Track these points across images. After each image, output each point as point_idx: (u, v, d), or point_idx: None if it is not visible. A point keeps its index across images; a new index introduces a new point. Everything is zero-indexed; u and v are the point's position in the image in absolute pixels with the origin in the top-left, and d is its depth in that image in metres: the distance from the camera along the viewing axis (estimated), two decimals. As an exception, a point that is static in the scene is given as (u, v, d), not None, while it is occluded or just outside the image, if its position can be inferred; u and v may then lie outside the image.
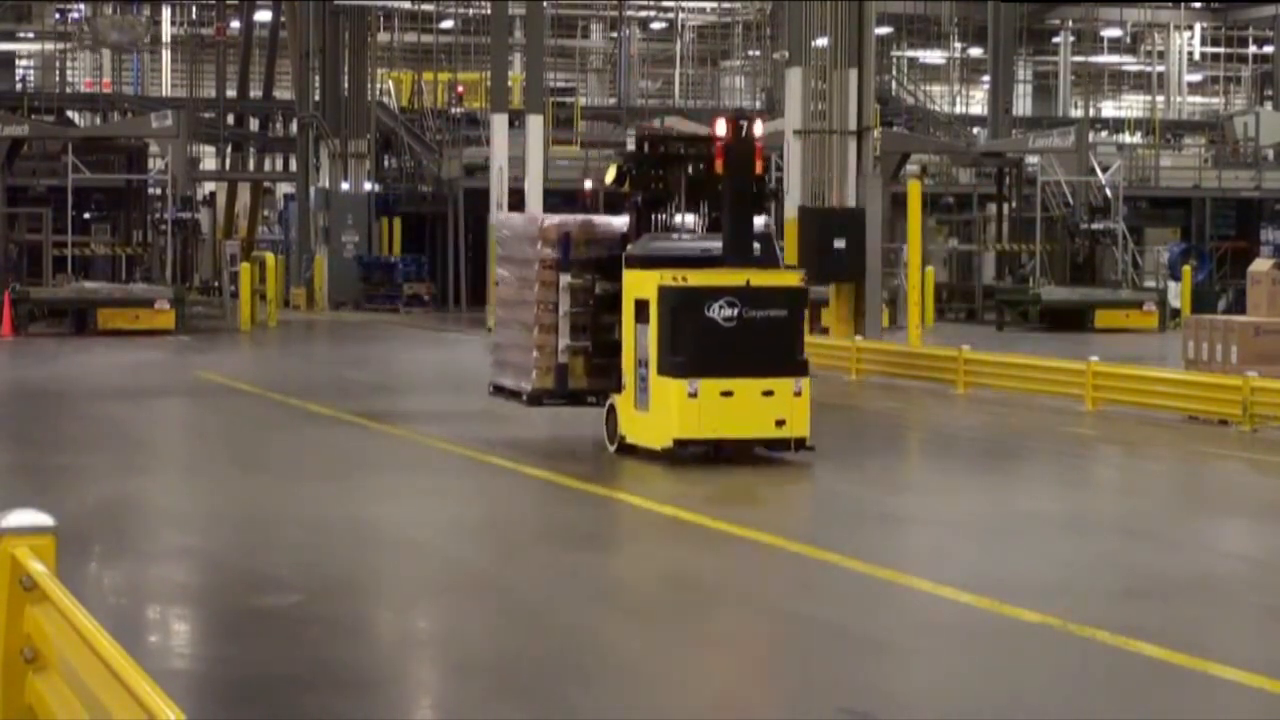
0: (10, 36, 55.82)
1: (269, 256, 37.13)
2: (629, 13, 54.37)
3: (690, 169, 15.46)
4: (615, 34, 54.87)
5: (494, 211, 32.74)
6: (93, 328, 31.53)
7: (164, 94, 52.01)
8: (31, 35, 54.70)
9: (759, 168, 15.01)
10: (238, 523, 12.20)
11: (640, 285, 14.70)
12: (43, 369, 25.25)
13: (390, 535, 11.82)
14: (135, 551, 11.23)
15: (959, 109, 54.43)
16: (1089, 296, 35.91)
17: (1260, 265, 22.46)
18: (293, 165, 46.74)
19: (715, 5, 54.58)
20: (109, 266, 38.86)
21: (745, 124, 14.87)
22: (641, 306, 14.69)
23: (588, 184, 22.78)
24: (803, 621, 9.33)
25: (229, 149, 49.55)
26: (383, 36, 49.28)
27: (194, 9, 53.78)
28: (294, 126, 45.24)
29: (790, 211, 27.30)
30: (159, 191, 39.49)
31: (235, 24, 52.13)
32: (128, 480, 14.24)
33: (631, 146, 20.34)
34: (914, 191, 29.12)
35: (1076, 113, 52.98)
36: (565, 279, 15.61)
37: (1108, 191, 38.89)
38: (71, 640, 4.62)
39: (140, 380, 23.30)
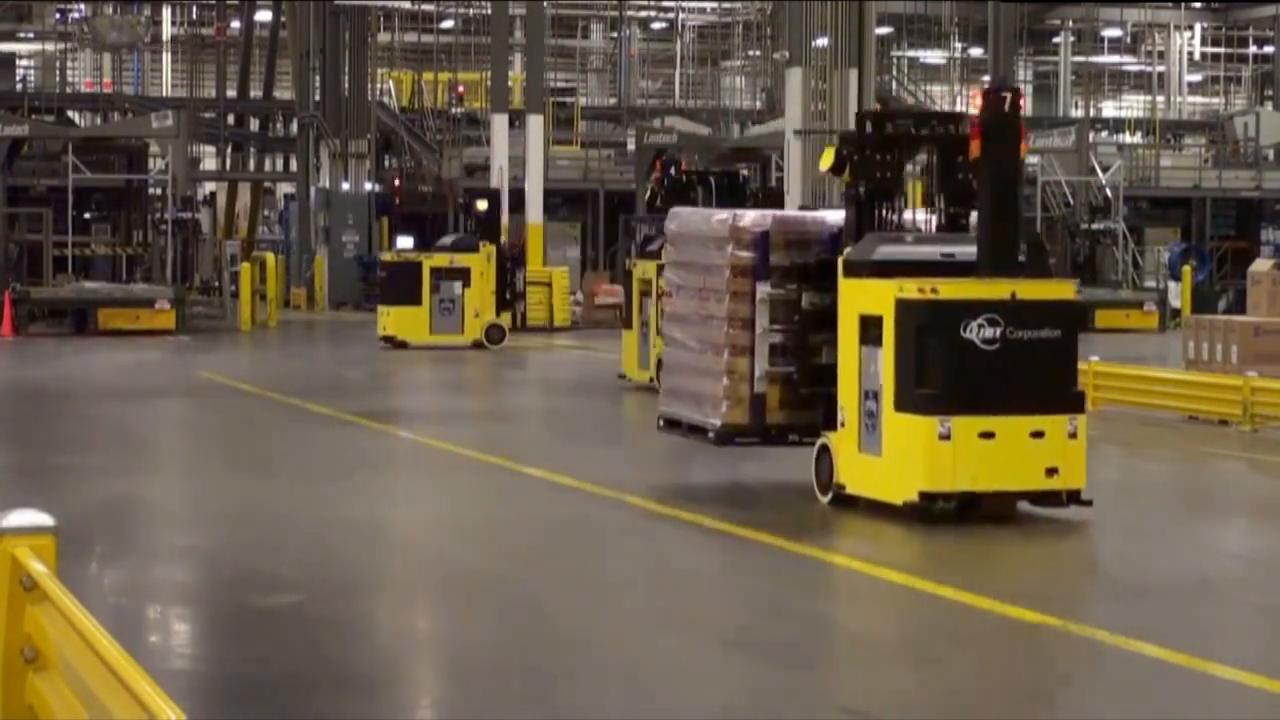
0: (10, 36, 55.84)
1: (269, 256, 37.12)
2: (629, 13, 54.39)
3: (927, 152, 12.98)
4: (615, 34, 54.89)
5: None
6: (93, 328, 31.53)
7: (164, 94, 52.03)
8: (32, 35, 54.72)
9: (1024, 149, 12.35)
10: (238, 522, 12.20)
11: (868, 298, 12.00)
12: (43, 369, 25.25)
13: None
14: (135, 551, 11.23)
15: (959, 109, 54.43)
16: (1089, 296, 35.82)
17: (1260, 265, 22.47)
18: (293, 165, 46.75)
19: (715, 5, 54.59)
20: (109, 267, 38.86)
21: (1008, 97, 12.01)
22: (869, 324, 11.96)
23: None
24: (804, 620, 9.33)
25: (229, 149, 49.57)
26: (383, 36, 49.29)
27: (194, 9, 53.79)
28: (294, 126, 45.25)
29: (790, 211, 27.34)
30: (159, 191, 39.48)
31: (235, 24, 52.16)
32: (128, 480, 14.23)
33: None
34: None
35: (1077, 113, 52.98)
36: (763, 289, 12.86)
37: (1108, 191, 38.91)
38: (72, 640, 4.62)
39: (140, 380, 23.30)
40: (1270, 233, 42.12)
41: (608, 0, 54.87)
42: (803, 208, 23.30)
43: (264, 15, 50.91)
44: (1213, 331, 20.30)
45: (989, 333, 11.57)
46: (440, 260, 28.78)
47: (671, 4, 55.05)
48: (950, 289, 11.69)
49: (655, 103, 52.52)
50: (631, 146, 43.02)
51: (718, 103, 51.85)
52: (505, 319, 29.31)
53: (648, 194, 24.82)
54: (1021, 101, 12.16)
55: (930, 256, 12.22)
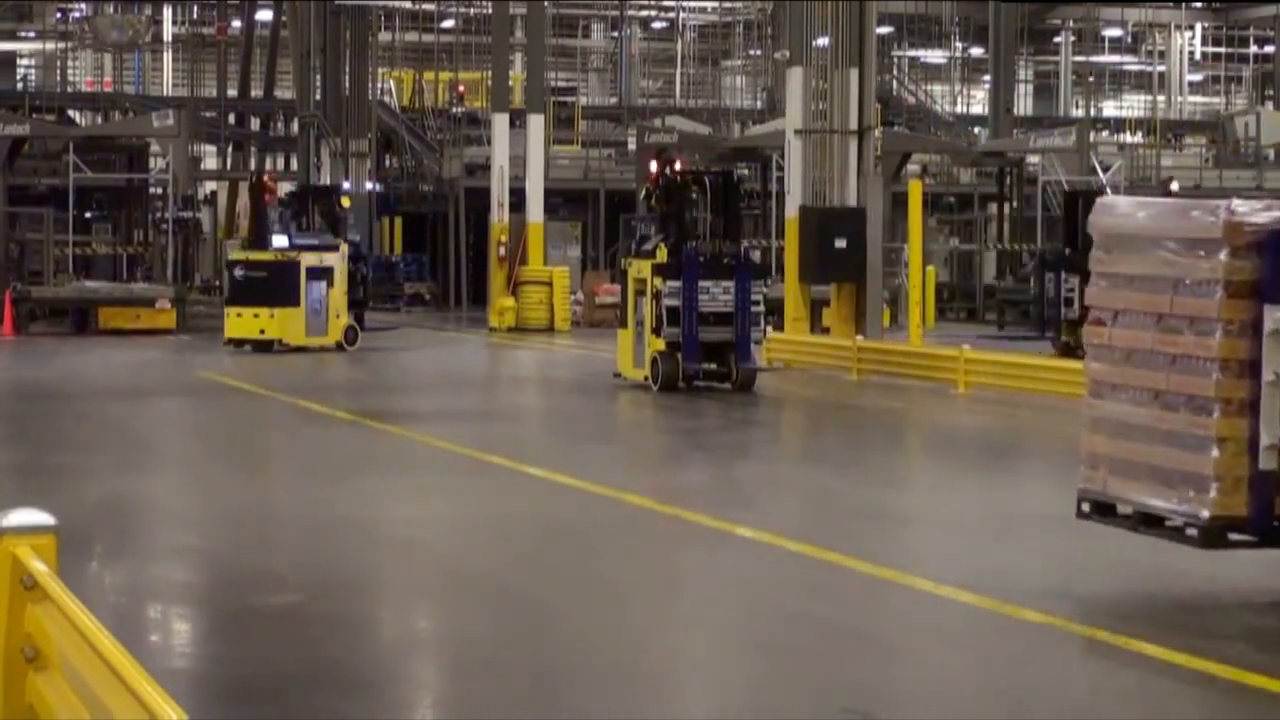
0: (11, 36, 55.84)
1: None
2: (630, 12, 54.39)
3: None
4: (616, 33, 54.89)
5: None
6: (94, 327, 31.55)
7: (165, 93, 52.01)
8: (33, 35, 54.71)
9: None
10: (239, 521, 12.20)
11: None
12: (44, 368, 25.25)
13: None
14: (136, 551, 11.23)
15: (960, 109, 54.44)
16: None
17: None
18: (294, 165, 46.73)
19: (716, 5, 54.59)
20: (110, 266, 38.88)
21: None
22: None
23: None
24: (797, 619, 9.33)
25: (230, 148, 49.58)
26: (384, 36, 49.30)
27: (195, 8, 53.80)
28: (295, 126, 45.26)
29: (791, 211, 27.34)
30: (160, 191, 39.48)
31: (236, 23, 52.18)
32: (129, 479, 14.23)
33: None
34: (915, 191, 29.11)
35: (1077, 112, 52.98)
36: (1275, 315, 8.87)
37: (1108, 191, 38.91)
38: (73, 639, 4.62)
39: (141, 379, 23.32)
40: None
41: (608, 0, 54.87)
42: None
43: (265, 15, 50.91)
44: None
45: None
46: (313, 259, 27.72)
47: (672, 4, 55.05)
48: None
49: (655, 102, 52.51)
50: (632, 146, 43.02)
51: (718, 102, 51.83)
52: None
53: (643, 193, 24.82)
54: None
55: None
